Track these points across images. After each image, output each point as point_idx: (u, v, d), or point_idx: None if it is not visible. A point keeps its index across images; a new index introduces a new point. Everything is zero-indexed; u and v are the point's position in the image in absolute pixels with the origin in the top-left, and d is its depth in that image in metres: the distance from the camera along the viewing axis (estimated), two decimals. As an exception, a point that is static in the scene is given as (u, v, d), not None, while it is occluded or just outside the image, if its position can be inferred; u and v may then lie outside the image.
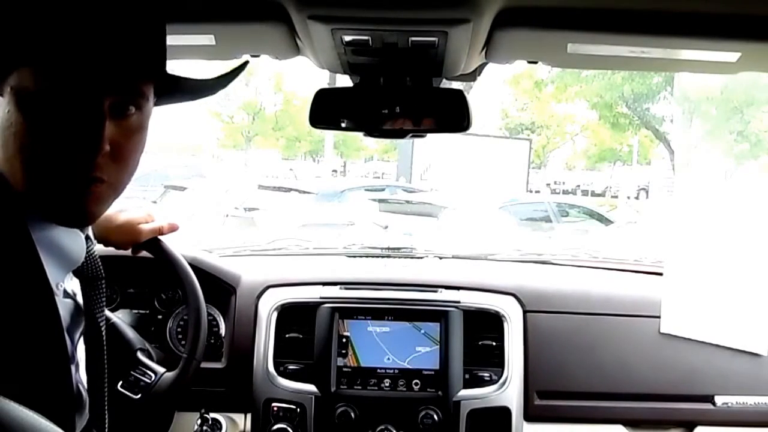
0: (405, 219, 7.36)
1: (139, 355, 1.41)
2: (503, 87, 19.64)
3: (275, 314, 1.69)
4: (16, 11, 0.74)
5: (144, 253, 1.53)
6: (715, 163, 13.94)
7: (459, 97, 1.25)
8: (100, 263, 0.97)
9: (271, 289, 1.74)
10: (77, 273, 0.89)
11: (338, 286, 1.74)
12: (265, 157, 21.59)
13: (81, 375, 0.98)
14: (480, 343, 1.68)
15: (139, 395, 1.35)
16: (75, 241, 0.86)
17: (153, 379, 1.37)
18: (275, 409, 1.62)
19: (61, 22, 0.74)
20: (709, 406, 1.67)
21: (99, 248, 1.68)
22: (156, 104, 0.90)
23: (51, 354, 0.79)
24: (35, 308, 0.77)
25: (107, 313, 1.43)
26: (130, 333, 1.44)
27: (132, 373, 1.37)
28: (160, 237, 1.51)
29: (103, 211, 0.83)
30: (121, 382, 1.36)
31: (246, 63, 0.92)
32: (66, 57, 0.75)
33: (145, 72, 0.82)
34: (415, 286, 1.75)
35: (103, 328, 1.01)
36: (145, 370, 1.38)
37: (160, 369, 1.39)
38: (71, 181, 0.79)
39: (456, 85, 1.42)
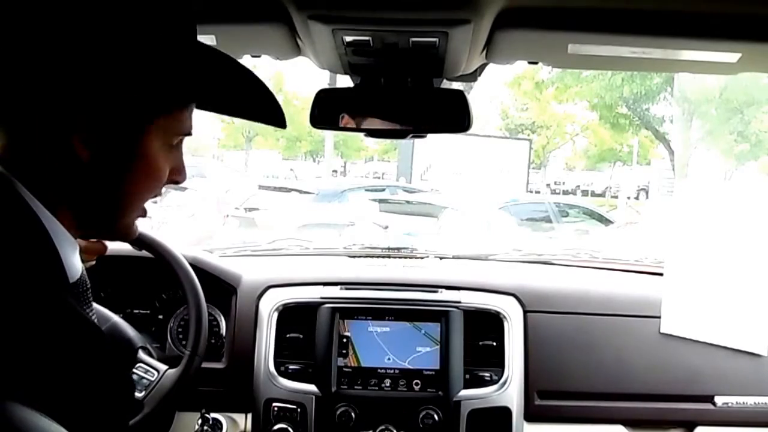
0: (405, 219, 7.36)
1: (141, 353, 1.41)
2: (503, 88, 19.65)
3: (276, 314, 1.69)
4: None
5: (144, 253, 1.53)
6: (715, 164, 13.95)
7: (459, 97, 1.25)
8: (84, 270, 0.97)
9: (271, 290, 1.74)
10: (70, 287, 0.89)
11: (339, 287, 1.74)
12: (265, 158, 21.60)
13: None
14: (480, 343, 1.68)
15: (143, 393, 1.36)
16: (76, 257, 0.86)
17: (156, 377, 1.38)
18: (276, 409, 1.62)
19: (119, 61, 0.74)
20: (709, 406, 1.67)
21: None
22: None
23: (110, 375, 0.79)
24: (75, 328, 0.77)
25: (108, 313, 1.44)
26: (131, 332, 1.44)
27: (134, 371, 1.38)
28: (159, 237, 1.52)
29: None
30: None
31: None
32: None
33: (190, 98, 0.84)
34: (416, 287, 1.75)
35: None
36: (147, 368, 1.39)
37: (163, 366, 1.39)
38: (137, 210, 0.84)
39: (456, 85, 1.43)
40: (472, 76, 1.33)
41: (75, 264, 0.84)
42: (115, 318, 1.44)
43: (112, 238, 0.93)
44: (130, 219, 0.85)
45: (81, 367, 0.72)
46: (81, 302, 0.88)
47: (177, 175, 0.84)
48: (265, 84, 0.86)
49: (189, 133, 0.83)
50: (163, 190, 0.85)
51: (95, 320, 0.93)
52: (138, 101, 0.76)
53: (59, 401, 0.68)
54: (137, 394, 1.36)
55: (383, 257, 2.06)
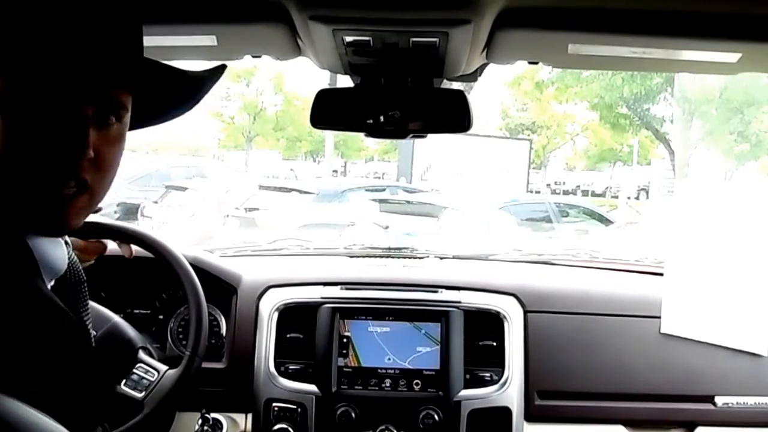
0: (405, 219, 7.36)
1: (141, 353, 1.41)
2: (503, 88, 19.65)
3: (276, 314, 1.69)
4: None
5: (145, 253, 1.53)
6: (716, 164, 13.94)
7: (460, 97, 1.25)
8: (81, 267, 0.97)
9: (272, 290, 1.74)
10: (60, 280, 0.89)
11: (339, 287, 1.74)
12: (265, 158, 21.60)
13: None
14: (480, 343, 1.68)
15: (143, 393, 1.36)
16: (59, 249, 0.86)
17: (156, 377, 1.38)
18: (276, 409, 1.62)
19: (38, 29, 0.74)
20: (709, 406, 1.67)
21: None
22: (138, 123, 0.90)
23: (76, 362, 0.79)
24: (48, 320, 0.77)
25: (109, 313, 1.44)
26: (132, 332, 1.44)
27: (135, 371, 1.38)
28: (159, 237, 1.52)
29: (82, 221, 0.83)
30: (124, 381, 1.36)
31: (224, 67, 0.92)
32: (46, 66, 0.75)
33: (122, 80, 0.82)
34: (416, 287, 1.75)
35: (91, 332, 1.01)
36: (147, 368, 1.39)
37: (163, 367, 1.39)
38: (54, 187, 0.78)
39: (456, 85, 1.43)
40: (473, 76, 1.33)
41: (58, 257, 0.84)
42: (116, 318, 1.44)
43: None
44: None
45: (42, 344, 0.72)
46: (73, 296, 0.88)
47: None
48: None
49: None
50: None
51: (89, 317, 0.93)
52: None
53: (30, 382, 0.68)
54: (137, 395, 1.36)
55: (383, 257, 2.06)
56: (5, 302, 0.71)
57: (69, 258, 0.92)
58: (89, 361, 0.80)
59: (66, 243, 0.91)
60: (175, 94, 0.89)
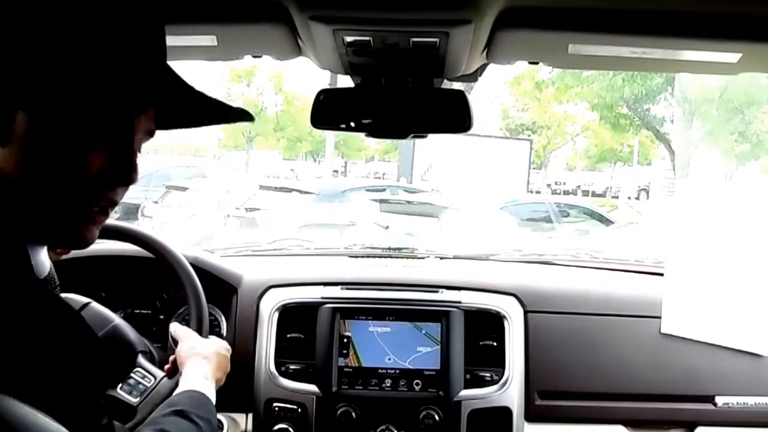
0: (406, 219, 7.37)
1: (140, 358, 1.40)
2: (504, 88, 19.66)
3: (276, 314, 1.69)
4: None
5: (145, 253, 1.53)
6: (716, 164, 13.94)
7: (460, 97, 1.25)
8: (54, 271, 0.98)
9: (272, 289, 1.74)
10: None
11: (339, 287, 1.74)
12: (266, 158, 21.61)
13: None
14: (481, 343, 1.68)
15: (137, 399, 1.34)
16: (44, 253, 0.86)
17: (152, 383, 1.36)
18: (276, 408, 1.62)
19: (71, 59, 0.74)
20: (709, 406, 1.67)
21: (99, 247, 1.71)
22: None
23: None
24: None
25: (110, 315, 1.44)
26: (133, 335, 1.43)
27: (132, 376, 1.37)
28: (160, 237, 1.52)
29: (96, 237, 0.84)
30: (120, 385, 1.35)
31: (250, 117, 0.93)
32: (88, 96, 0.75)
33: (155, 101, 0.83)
34: (416, 287, 1.75)
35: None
36: (145, 373, 1.38)
37: (160, 373, 1.38)
38: (89, 206, 0.79)
39: (457, 85, 1.43)
40: (473, 77, 1.33)
41: (43, 261, 0.85)
42: (117, 320, 1.43)
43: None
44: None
45: (59, 347, 0.73)
46: None
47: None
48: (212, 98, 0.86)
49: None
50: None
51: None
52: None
53: (41, 385, 0.69)
54: (132, 399, 1.35)
55: (384, 257, 2.06)
56: (14, 301, 0.71)
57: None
58: (97, 359, 0.80)
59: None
60: (196, 116, 0.91)
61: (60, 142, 0.75)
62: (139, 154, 0.83)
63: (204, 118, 0.92)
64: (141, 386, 1.36)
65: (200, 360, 1.28)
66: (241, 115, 0.91)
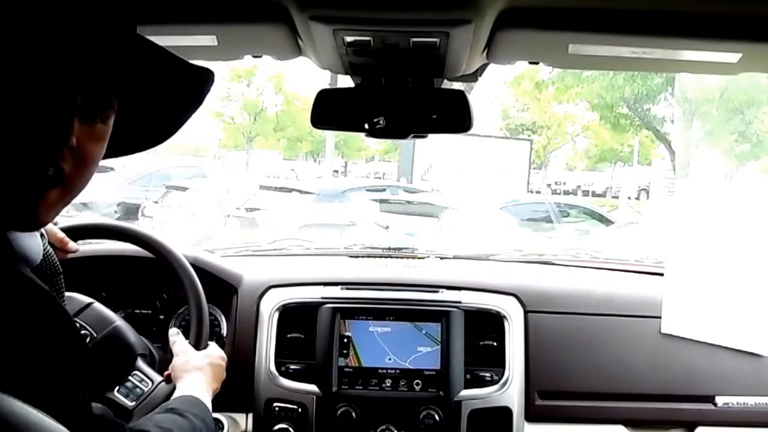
0: (406, 219, 7.36)
1: (139, 361, 1.39)
2: (504, 87, 19.66)
3: (277, 314, 1.69)
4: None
5: (145, 253, 1.53)
6: (716, 164, 13.94)
7: (460, 97, 1.25)
8: (56, 259, 0.97)
9: (272, 290, 1.74)
10: (35, 271, 0.88)
11: (339, 287, 1.74)
12: (266, 158, 21.61)
13: None
14: (481, 343, 1.68)
15: (134, 402, 1.34)
16: (33, 240, 0.85)
17: (149, 387, 1.36)
18: (277, 408, 1.62)
19: (33, 15, 0.74)
20: (709, 406, 1.67)
21: (100, 247, 1.71)
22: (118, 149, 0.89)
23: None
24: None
25: (111, 315, 1.44)
26: (133, 337, 1.43)
27: (130, 379, 1.36)
28: (160, 237, 1.52)
29: (53, 217, 0.83)
30: (117, 388, 1.35)
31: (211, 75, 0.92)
32: (38, 51, 0.74)
33: (115, 82, 0.82)
34: (417, 287, 1.75)
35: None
36: (142, 377, 1.37)
37: (157, 377, 1.38)
38: (32, 172, 0.76)
39: (457, 85, 1.43)
40: (473, 77, 1.33)
41: (33, 248, 0.84)
42: (118, 321, 1.43)
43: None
44: None
45: (28, 333, 0.72)
46: (49, 287, 0.87)
47: None
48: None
49: None
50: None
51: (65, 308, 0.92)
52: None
53: (22, 374, 0.68)
54: (128, 403, 1.34)
55: (384, 257, 2.06)
56: None
57: (44, 249, 0.91)
58: (76, 346, 0.79)
59: (42, 235, 0.91)
60: (174, 88, 0.88)
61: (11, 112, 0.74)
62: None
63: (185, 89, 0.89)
64: (138, 390, 1.35)
65: (195, 373, 1.30)
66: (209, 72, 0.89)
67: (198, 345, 1.44)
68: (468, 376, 1.64)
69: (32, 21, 0.73)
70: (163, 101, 0.89)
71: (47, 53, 0.74)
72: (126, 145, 0.91)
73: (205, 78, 0.89)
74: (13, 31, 0.72)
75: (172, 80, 0.86)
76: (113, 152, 0.88)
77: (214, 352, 1.41)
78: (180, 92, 0.89)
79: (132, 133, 0.90)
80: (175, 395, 1.23)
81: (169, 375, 1.34)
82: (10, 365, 0.69)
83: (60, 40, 0.74)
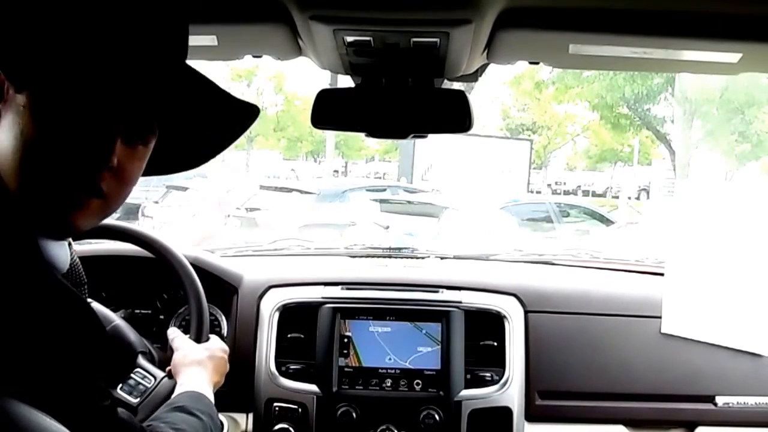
0: (406, 219, 7.35)
1: (141, 358, 1.40)
2: (504, 87, 19.66)
3: (277, 314, 1.69)
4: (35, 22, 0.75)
5: (145, 253, 1.53)
6: (716, 164, 13.93)
7: (460, 97, 1.25)
8: (81, 268, 0.97)
9: (272, 289, 1.74)
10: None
11: (340, 287, 1.74)
12: (266, 158, 21.60)
13: None
14: (481, 343, 1.68)
15: (138, 399, 1.35)
16: (62, 249, 0.86)
17: (153, 383, 1.37)
18: (277, 408, 1.62)
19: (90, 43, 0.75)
20: (710, 406, 1.67)
21: (100, 247, 1.71)
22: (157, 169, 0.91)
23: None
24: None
25: (110, 315, 1.44)
26: (133, 336, 1.43)
27: (132, 376, 1.37)
28: (160, 237, 1.52)
29: (89, 226, 0.83)
30: (121, 385, 1.36)
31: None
32: (90, 82, 0.76)
33: (160, 111, 0.83)
34: (417, 287, 1.75)
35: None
36: (145, 373, 1.38)
37: (160, 373, 1.38)
38: (72, 185, 0.78)
39: (457, 85, 1.43)
40: (473, 76, 1.33)
41: (61, 257, 0.85)
42: (117, 321, 1.43)
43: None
44: None
45: (62, 340, 0.73)
46: None
47: None
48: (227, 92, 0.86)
49: None
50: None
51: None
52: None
53: (39, 380, 0.69)
54: (132, 400, 1.35)
55: (384, 257, 2.06)
56: (27, 292, 0.72)
57: (72, 259, 0.92)
58: (105, 352, 0.80)
59: (69, 244, 0.92)
60: (218, 121, 0.90)
61: (59, 121, 0.76)
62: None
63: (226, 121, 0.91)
64: (141, 387, 1.36)
65: (195, 367, 1.30)
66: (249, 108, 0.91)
67: (198, 339, 1.44)
68: (468, 376, 1.64)
69: (88, 48, 0.75)
70: (204, 132, 0.92)
71: (98, 79, 0.76)
72: (163, 166, 0.94)
73: (250, 114, 0.91)
74: (70, 56, 0.74)
75: (218, 114, 0.88)
76: (150, 171, 0.91)
77: (215, 345, 1.40)
78: (223, 126, 0.92)
79: (171, 156, 0.92)
80: (175, 391, 1.24)
81: (170, 370, 1.34)
82: (43, 369, 0.69)
83: (112, 67, 0.76)
